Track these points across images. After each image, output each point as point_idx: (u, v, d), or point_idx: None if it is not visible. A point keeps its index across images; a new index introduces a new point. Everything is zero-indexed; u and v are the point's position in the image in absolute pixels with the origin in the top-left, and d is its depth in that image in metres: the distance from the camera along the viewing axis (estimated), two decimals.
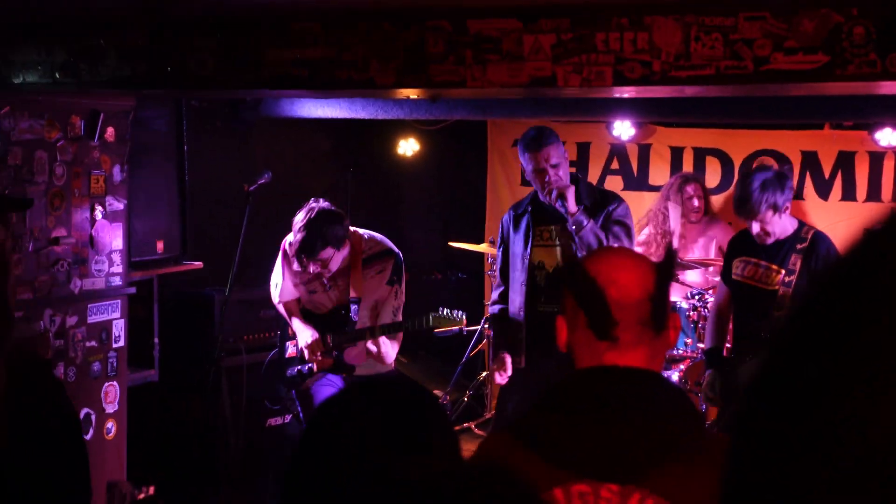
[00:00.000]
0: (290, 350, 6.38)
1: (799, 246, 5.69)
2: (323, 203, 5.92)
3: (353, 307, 6.09)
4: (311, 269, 5.93)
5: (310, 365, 6.20)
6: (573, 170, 6.30)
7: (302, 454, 2.03)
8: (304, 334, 6.17)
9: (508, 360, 5.92)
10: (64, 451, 2.43)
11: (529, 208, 6.00)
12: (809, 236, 5.72)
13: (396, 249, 6.18)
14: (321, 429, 2.07)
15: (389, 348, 6.04)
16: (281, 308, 6.36)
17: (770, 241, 5.72)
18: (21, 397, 2.30)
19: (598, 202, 5.84)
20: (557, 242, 5.89)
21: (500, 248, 6.20)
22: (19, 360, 2.30)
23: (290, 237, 6.11)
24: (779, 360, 0.77)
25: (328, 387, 6.11)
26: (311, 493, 1.97)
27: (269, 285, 6.41)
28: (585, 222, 5.65)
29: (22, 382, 2.31)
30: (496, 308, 6.12)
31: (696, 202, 7.93)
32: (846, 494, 0.67)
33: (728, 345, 6.23)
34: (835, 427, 0.69)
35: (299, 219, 5.87)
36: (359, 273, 6.08)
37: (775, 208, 5.62)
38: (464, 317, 6.07)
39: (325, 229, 5.81)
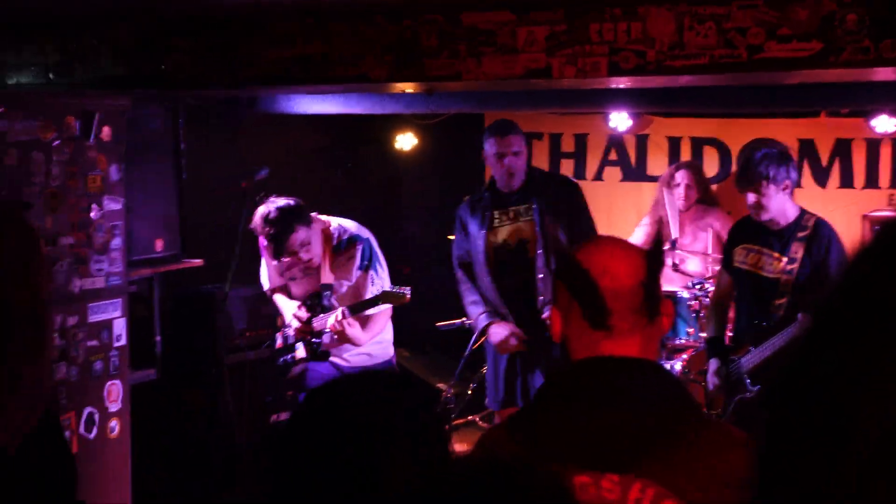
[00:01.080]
0: (279, 341, 6.48)
1: (800, 234, 5.68)
2: (272, 199, 6.08)
3: (325, 293, 6.16)
4: (303, 256, 6.06)
5: (293, 353, 6.30)
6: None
7: (285, 445, 2.03)
8: (289, 306, 6.30)
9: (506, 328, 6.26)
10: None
11: (487, 194, 6.39)
12: (811, 224, 5.70)
13: (367, 234, 6.25)
14: (304, 420, 2.07)
15: (357, 330, 6.04)
16: (270, 297, 6.50)
17: (765, 217, 5.69)
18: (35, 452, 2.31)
19: (556, 191, 6.29)
20: (517, 220, 6.24)
21: (457, 234, 6.53)
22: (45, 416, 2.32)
23: None
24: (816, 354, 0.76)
25: (320, 379, 6.16)
26: (297, 485, 1.97)
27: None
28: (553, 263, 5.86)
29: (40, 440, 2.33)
30: (483, 312, 6.35)
31: (681, 190, 7.91)
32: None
33: (730, 333, 6.22)
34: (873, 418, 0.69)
35: (259, 225, 6.02)
36: (328, 260, 6.17)
37: (774, 181, 5.60)
38: (407, 292, 6.13)
39: (285, 215, 5.96)
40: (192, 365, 7.04)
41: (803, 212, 5.79)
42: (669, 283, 7.45)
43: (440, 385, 8.62)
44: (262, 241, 6.22)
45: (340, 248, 6.19)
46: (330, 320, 6.01)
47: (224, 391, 6.91)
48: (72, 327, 6.08)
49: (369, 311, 6.06)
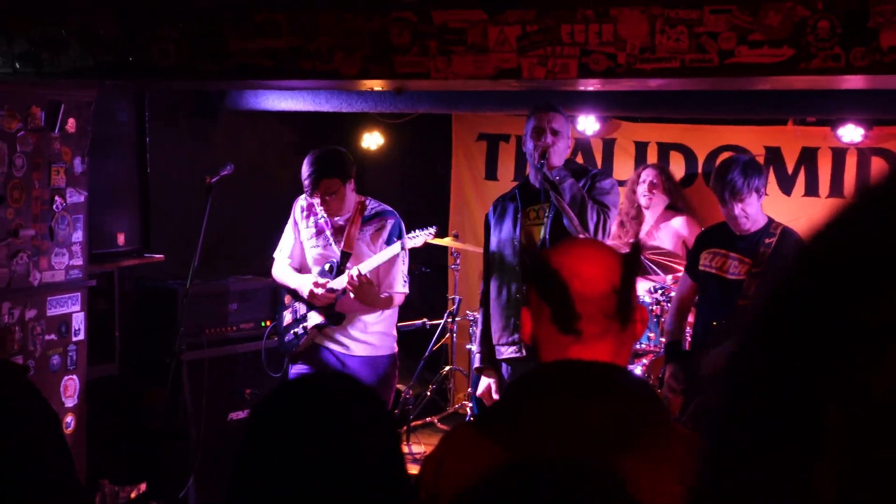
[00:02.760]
0: (287, 318, 6.36)
1: (767, 240, 5.71)
2: (332, 147, 6.13)
3: (344, 261, 6.10)
4: (319, 205, 6.01)
5: (304, 324, 6.20)
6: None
7: (246, 448, 2.02)
8: (305, 279, 6.17)
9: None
10: (51, 455, 2.40)
11: (517, 192, 5.86)
12: (778, 231, 5.74)
13: (398, 216, 6.23)
14: (262, 422, 2.06)
15: (374, 290, 5.98)
16: (282, 273, 6.35)
17: (747, 225, 5.72)
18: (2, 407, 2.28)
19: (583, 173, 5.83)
20: (547, 218, 5.66)
21: (484, 249, 6.02)
22: None
23: (300, 198, 6.26)
24: (756, 347, 0.72)
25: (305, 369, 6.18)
26: (256, 486, 1.96)
27: (230, 280, 6.37)
28: (567, 178, 5.57)
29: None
30: (479, 353, 5.98)
31: (645, 187, 7.94)
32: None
33: (689, 337, 6.23)
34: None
35: (306, 158, 6.04)
36: (356, 228, 6.12)
37: (758, 191, 5.65)
38: (432, 230, 6.28)
39: (332, 159, 5.98)
40: (151, 361, 6.98)
41: (770, 220, 5.82)
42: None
43: (399, 386, 8.60)
44: (296, 207, 6.27)
45: (371, 219, 6.17)
46: (343, 279, 5.97)
47: (182, 388, 6.86)
48: (30, 320, 6.02)
49: (384, 261, 6.08)
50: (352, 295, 5.97)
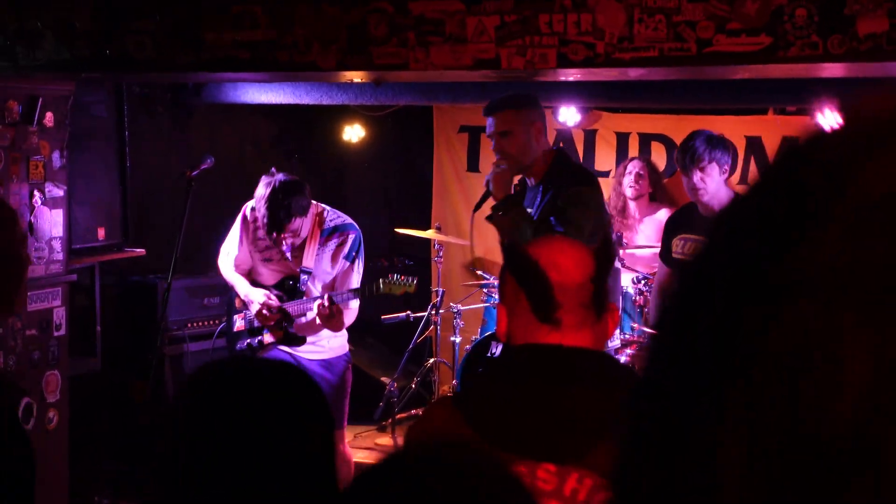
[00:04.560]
0: (239, 324, 6.29)
1: None
2: (280, 175, 5.81)
3: (303, 277, 6.02)
4: (286, 241, 5.88)
5: (259, 337, 6.13)
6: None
7: (171, 434, 1.98)
8: (256, 294, 6.06)
9: None
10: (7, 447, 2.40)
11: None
12: None
13: (358, 228, 6.11)
14: (188, 405, 2.02)
15: (344, 317, 5.95)
16: (229, 275, 6.24)
17: (706, 197, 5.73)
18: None
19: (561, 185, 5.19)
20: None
21: None
22: None
23: (251, 203, 6.02)
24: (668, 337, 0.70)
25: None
26: (186, 474, 1.93)
27: (211, 274, 6.33)
28: (512, 207, 5.19)
29: None
30: None
31: (632, 178, 7.94)
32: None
33: None
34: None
35: (260, 194, 5.78)
36: (315, 244, 6.01)
37: (717, 162, 5.67)
38: (414, 282, 6.18)
39: (289, 201, 5.71)
40: (132, 355, 6.97)
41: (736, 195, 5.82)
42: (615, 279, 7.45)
43: (384, 379, 8.59)
44: (248, 215, 6.09)
45: (332, 233, 6.04)
46: (311, 304, 5.89)
47: (165, 382, 6.85)
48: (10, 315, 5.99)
49: (351, 304, 5.98)
50: (318, 321, 5.92)
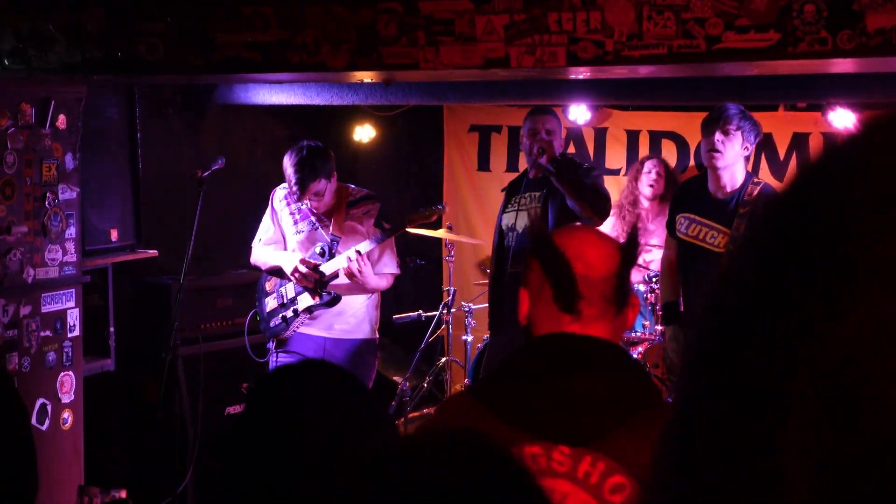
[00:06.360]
0: (271, 304, 6.42)
1: (742, 210, 5.65)
2: (308, 142, 6.22)
3: (333, 243, 6.22)
4: (309, 205, 6.19)
5: (294, 306, 6.27)
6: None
7: (240, 433, 2.03)
8: (291, 256, 6.28)
9: None
10: (10, 444, 2.41)
11: (512, 183, 6.53)
12: (755, 194, 5.68)
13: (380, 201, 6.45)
14: (257, 409, 2.06)
15: (369, 269, 6.11)
16: (262, 255, 6.46)
17: (721, 161, 5.68)
18: None
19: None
20: (529, 206, 6.25)
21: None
22: None
23: (278, 188, 6.40)
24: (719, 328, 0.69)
25: (290, 358, 6.23)
26: (252, 471, 1.97)
27: (224, 275, 6.37)
28: (564, 163, 6.11)
29: None
30: None
31: (653, 176, 7.95)
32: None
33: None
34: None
35: (288, 160, 6.15)
36: (342, 214, 6.26)
37: (742, 130, 5.64)
38: (440, 207, 6.48)
39: (315, 162, 6.08)
40: (146, 356, 7.00)
41: (749, 177, 5.78)
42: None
43: (396, 378, 8.61)
44: (274, 198, 6.40)
45: (357, 202, 6.34)
46: (342, 260, 6.05)
47: (178, 383, 6.87)
48: (24, 317, 6.02)
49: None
50: (346, 279, 6.05)
